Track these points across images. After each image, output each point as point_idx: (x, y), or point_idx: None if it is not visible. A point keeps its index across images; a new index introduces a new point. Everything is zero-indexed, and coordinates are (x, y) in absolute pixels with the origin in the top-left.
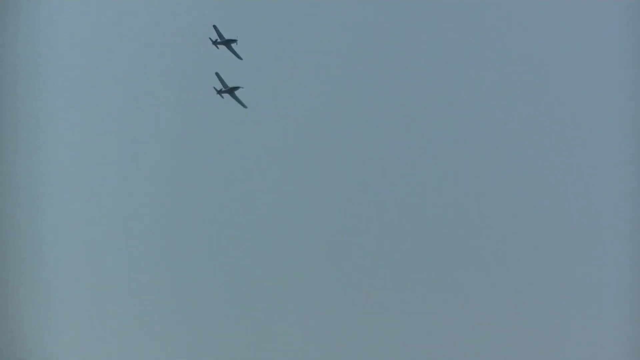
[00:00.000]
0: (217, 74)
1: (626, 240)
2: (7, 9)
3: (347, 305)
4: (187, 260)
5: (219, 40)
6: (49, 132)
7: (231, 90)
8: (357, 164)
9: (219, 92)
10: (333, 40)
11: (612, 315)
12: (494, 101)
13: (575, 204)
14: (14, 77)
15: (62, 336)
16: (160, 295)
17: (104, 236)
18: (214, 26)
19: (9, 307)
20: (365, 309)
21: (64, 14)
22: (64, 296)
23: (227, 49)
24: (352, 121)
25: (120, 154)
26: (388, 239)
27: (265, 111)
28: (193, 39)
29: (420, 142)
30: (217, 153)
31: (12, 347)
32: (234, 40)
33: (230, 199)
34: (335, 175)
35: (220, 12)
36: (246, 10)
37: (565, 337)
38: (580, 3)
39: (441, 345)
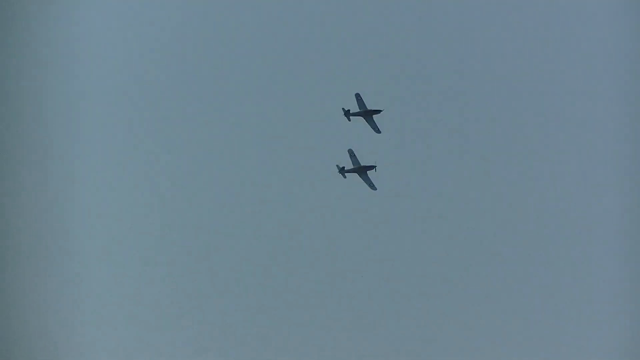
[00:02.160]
0: (350, 150)
1: (626, 240)
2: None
3: (347, 305)
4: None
5: (352, 111)
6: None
7: (361, 170)
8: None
9: (341, 170)
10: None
11: (612, 315)
12: (493, 101)
13: (575, 203)
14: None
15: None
16: (173, 298)
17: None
18: (357, 94)
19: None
20: (366, 309)
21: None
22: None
23: (364, 120)
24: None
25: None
26: (388, 239)
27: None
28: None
29: (420, 142)
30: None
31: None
32: (379, 111)
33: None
34: (332, 175)
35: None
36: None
37: (565, 337)
38: (580, 3)
39: (441, 345)
